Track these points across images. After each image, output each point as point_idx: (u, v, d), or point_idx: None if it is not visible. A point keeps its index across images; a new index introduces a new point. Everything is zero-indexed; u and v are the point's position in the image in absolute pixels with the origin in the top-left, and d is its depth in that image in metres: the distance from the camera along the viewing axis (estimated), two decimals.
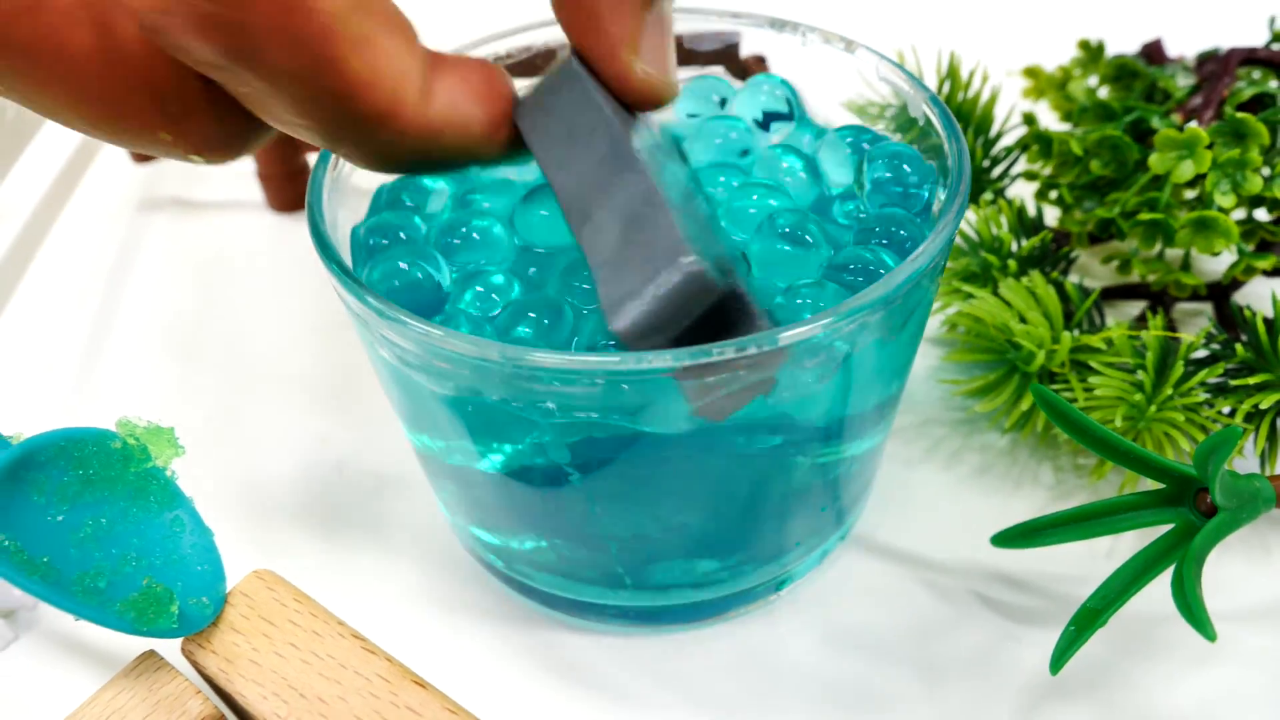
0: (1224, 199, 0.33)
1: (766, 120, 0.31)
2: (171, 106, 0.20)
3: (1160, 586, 0.27)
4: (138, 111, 0.20)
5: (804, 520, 0.30)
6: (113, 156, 0.53)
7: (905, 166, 0.28)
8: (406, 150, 0.21)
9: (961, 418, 0.37)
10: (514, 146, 0.23)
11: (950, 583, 0.32)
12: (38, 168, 0.50)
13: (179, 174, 0.52)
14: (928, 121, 0.29)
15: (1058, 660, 0.28)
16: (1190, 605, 0.26)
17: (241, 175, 0.50)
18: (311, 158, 0.49)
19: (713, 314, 0.21)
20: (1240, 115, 0.34)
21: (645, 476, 0.27)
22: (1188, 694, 0.29)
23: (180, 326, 0.44)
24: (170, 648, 0.27)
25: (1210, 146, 0.34)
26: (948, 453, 0.36)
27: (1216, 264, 0.42)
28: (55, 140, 0.51)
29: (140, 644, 0.28)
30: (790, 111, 0.31)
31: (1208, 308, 0.40)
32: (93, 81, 0.19)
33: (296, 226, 0.49)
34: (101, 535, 0.26)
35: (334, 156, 0.28)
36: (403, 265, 0.26)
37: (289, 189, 0.48)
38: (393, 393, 0.29)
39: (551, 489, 0.27)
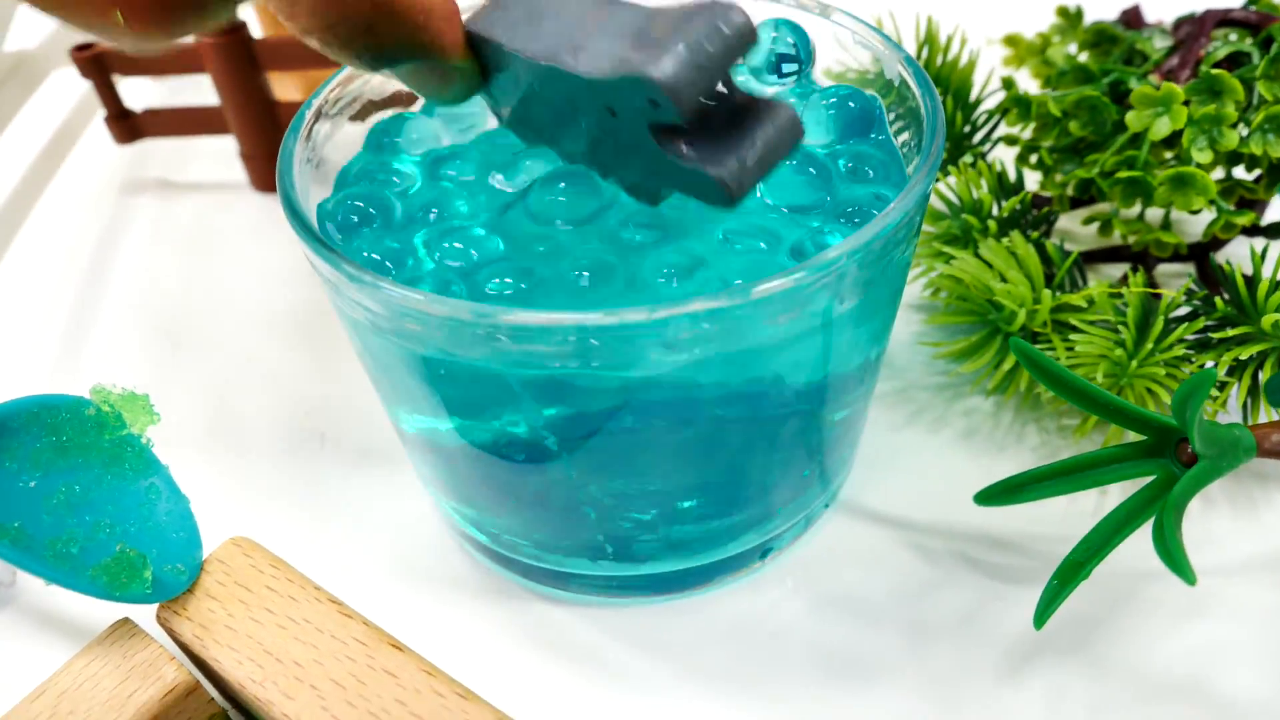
0: (1201, 155, 0.33)
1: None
2: None
3: (1145, 543, 0.27)
4: None
5: (786, 485, 0.30)
6: (96, 138, 0.53)
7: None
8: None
9: (945, 382, 0.37)
10: (469, 58, 0.23)
11: (936, 545, 0.32)
12: (20, 148, 0.50)
13: (163, 155, 0.52)
14: (903, 81, 0.29)
15: (1041, 615, 0.28)
16: (1170, 550, 0.25)
17: (225, 156, 0.50)
18: None
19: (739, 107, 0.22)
20: (1215, 72, 0.33)
21: (624, 442, 0.26)
22: (1173, 647, 0.29)
23: (164, 306, 0.43)
24: (146, 615, 0.27)
25: (1186, 103, 0.34)
26: (932, 417, 0.36)
27: (1197, 225, 0.42)
28: (38, 121, 0.51)
29: (118, 613, 0.27)
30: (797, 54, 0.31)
31: (1190, 268, 0.40)
32: None
33: (280, 206, 0.48)
34: (75, 501, 0.26)
35: (304, 126, 0.28)
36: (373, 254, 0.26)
37: (272, 169, 0.48)
38: (368, 364, 0.28)
39: (529, 457, 0.27)
